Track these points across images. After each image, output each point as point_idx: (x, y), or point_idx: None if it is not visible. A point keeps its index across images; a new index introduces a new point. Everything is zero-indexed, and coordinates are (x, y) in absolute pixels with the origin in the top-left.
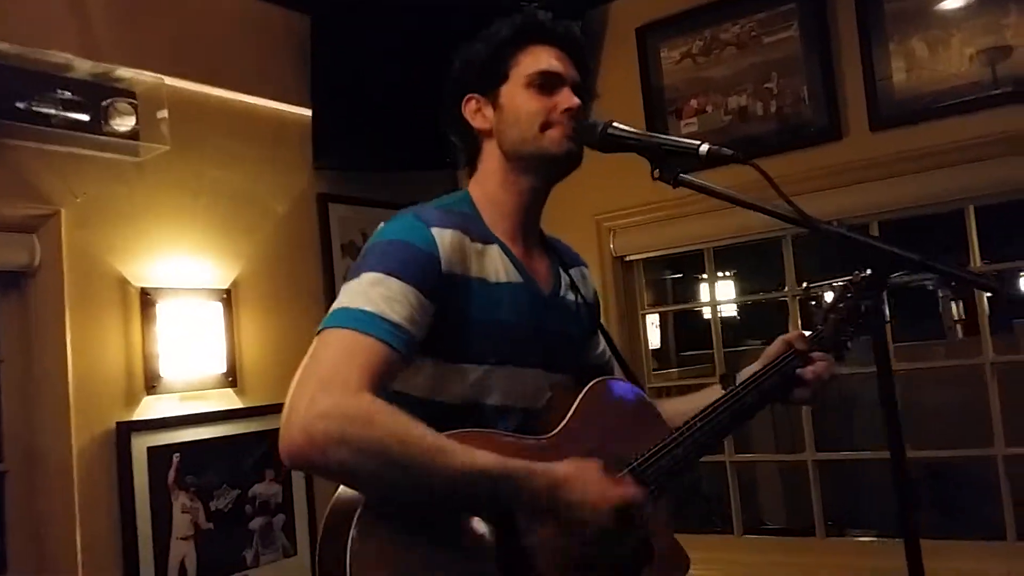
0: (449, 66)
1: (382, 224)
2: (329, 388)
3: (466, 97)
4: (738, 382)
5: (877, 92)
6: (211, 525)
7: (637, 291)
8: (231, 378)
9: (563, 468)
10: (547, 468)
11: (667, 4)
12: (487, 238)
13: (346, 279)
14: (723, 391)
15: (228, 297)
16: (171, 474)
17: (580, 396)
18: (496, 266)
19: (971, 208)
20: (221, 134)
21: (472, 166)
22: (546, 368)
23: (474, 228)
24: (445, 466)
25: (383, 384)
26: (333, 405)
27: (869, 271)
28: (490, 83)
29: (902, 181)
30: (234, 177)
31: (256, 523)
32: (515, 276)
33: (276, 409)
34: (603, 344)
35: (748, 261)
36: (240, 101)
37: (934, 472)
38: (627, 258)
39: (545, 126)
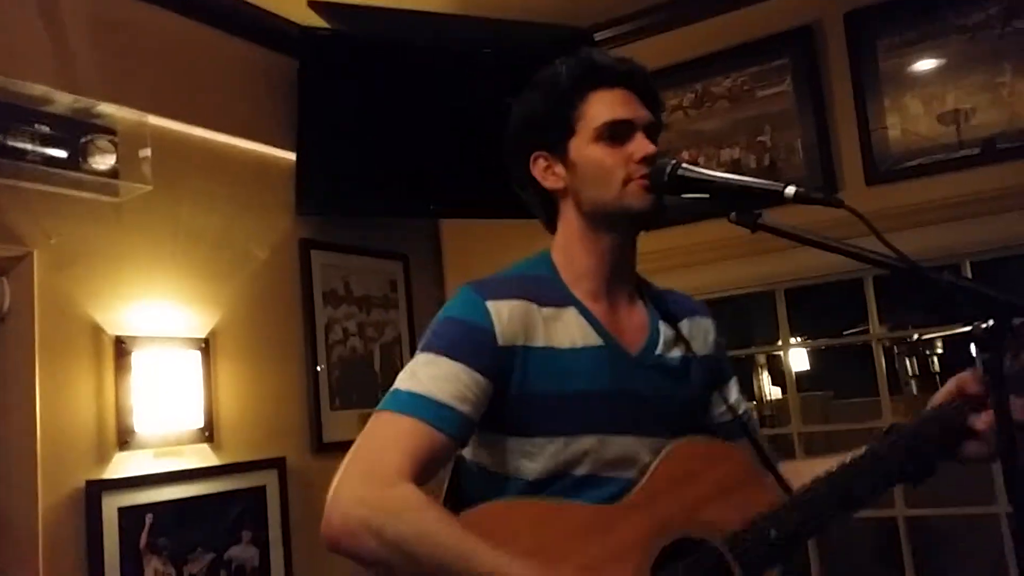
0: (505, 119)
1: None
2: (370, 475)
3: (533, 156)
4: None
5: (873, 147)
6: None
7: None
8: (208, 433)
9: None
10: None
11: (657, 56)
12: (563, 300)
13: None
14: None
15: (206, 346)
16: (143, 536)
17: (659, 458)
18: (570, 331)
19: (967, 263)
20: (203, 176)
21: (551, 225)
22: (642, 434)
23: (548, 292)
24: (466, 572)
25: (430, 468)
26: (371, 494)
27: (991, 322)
28: (556, 138)
29: (900, 236)
30: (215, 220)
31: None
32: (594, 339)
33: (255, 466)
34: (724, 405)
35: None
36: (224, 143)
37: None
38: None
39: (626, 181)
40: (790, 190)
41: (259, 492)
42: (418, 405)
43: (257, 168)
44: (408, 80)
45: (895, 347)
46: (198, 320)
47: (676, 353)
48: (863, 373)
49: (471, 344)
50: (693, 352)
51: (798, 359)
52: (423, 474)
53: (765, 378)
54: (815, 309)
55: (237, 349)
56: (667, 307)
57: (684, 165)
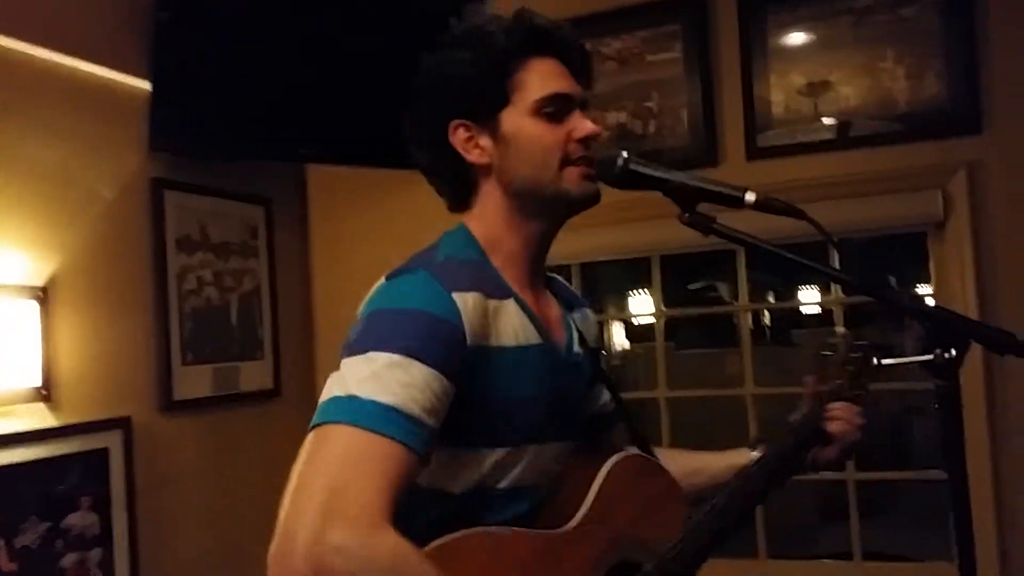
0: (416, 74)
1: (382, 282)
2: (342, 513)
3: (453, 124)
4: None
5: (756, 122)
6: (15, 566)
7: None
8: (45, 391)
9: None
10: None
11: (545, 7)
12: (503, 291)
13: (346, 352)
14: (749, 452)
15: (44, 296)
16: None
17: (602, 477)
18: (514, 326)
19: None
20: (42, 103)
21: (458, 200)
22: (562, 440)
23: (488, 280)
24: None
25: (401, 495)
26: (351, 541)
27: (954, 352)
28: (486, 107)
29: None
30: (56, 154)
31: (69, 560)
32: (534, 337)
33: (96, 426)
34: (606, 393)
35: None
36: (67, 66)
37: None
38: None
39: (563, 162)
40: (750, 196)
41: (101, 454)
42: (390, 420)
43: (106, 97)
44: (280, 11)
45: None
46: (35, 267)
47: (579, 348)
48: (703, 326)
49: (443, 345)
50: (587, 345)
51: (642, 307)
52: (395, 507)
53: (615, 328)
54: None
55: (79, 299)
56: (563, 296)
57: (636, 160)
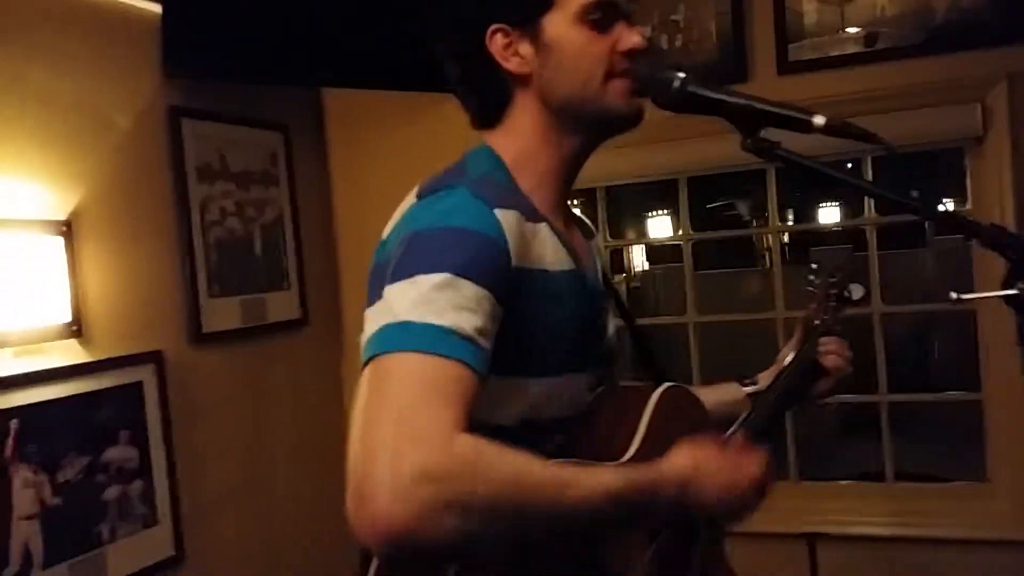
0: None
1: (414, 201)
2: (419, 439)
3: (491, 29)
4: (756, 379)
5: (787, 35)
6: (59, 500)
7: None
8: (76, 327)
9: (685, 463)
10: (671, 471)
11: None
12: (535, 215)
13: (390, 278)
14: (739, 387)
15: (68, 230)
16: (9, 444)
17: (651, 407)
18: (550, 250)
19: (868, 158)
20: (53, 29)
21: (490, 115)
22: (595, 367)
23: (521, 202)
24: (574, 502)
25: (470, 416)
26: (434, 462)
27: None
28: (528, 11)
29: None
30: (67, 83)
31: (111, 493)
32: (567, 262)
33: (129, 361)
34: (621, 313)
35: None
36: None
37: None
38: None
39: (607, 75)
40: (819, 120)
41: (135, 388)
42: (450, 342)
43: (118, 21)
44: None
45: (754, 221)
46: (57, 200)
47: (601, 276)
48: (721, 246)
49: (491, 263)
50: (603, 271)
51: (662, 229)
52: (467, 427)
53: (636, 251)
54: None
55: (103, 233)
56: (579, 223)
57: (695, 80)
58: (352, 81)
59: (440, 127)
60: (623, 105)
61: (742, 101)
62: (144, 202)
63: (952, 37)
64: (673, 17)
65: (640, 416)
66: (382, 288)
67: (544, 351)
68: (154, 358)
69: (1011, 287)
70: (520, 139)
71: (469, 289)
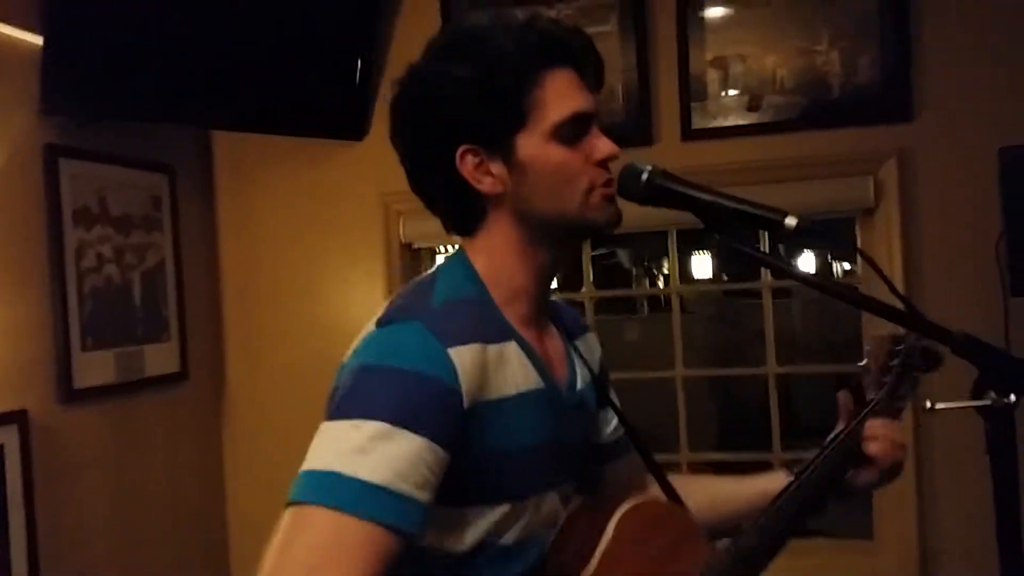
0: (404, 88)
1: (371, 329)
2: None
3: (461, 150)
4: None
5: (691, 103)
6: None
7: None
8: None
9: None
10: None
11: None
12: (503, 333)
13: (332, 411)
14: (786, 476)
15: None
16: None
17: (609, 533)
18: (515, 372)
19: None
20: None
21: (465, 230)
22: (564, 484)
23: (489, 321)
24: None
25: None
26: None
27: (1013, 397)
28: (498, 131)
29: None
30: None
31: None
32: (535, 380)
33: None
34: (614, 419)
35: None
36: None
37: None
38: (415, 246)
39: (589, 189)
40: (791, 221)
41: None
42: (375, 501)
43: None
44: None
45: (634, 269)
46: None
47: (585, 383)
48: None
49: (436, 410)
50: (591, 371)
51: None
52: None
53: None
54: None
55: None
56: (565, 324)
57: (663, 174)
58: (243, 124)
59: (334, 175)
60: (604, 216)
61: (712, 198)
62: (14, 247)
63: (847, 112)
64: None
65: (600, 538)
66: None
67: (500, 479)
68: (17, 418)
69: (981, 396)
70: (493, 254)
71: (409, 441)
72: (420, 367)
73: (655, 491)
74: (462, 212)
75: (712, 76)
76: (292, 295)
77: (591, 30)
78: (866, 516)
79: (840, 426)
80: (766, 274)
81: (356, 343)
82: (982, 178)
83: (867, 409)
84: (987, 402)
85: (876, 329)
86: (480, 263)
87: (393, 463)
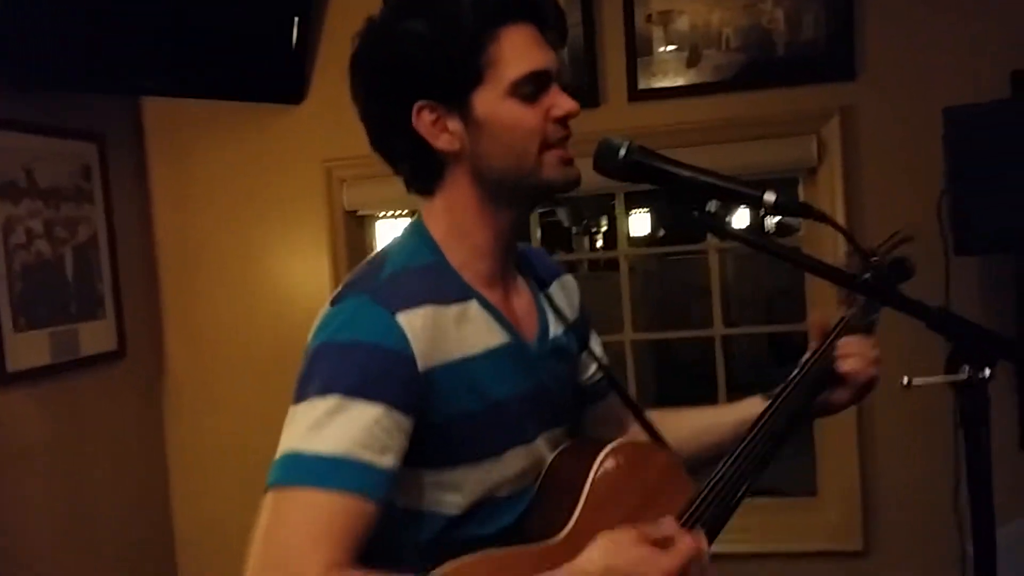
0: (361, 45)
1: (324, 312)
2: None
3: (417, 106)
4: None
5: (637, 63)
6: None
7: (366, 248)
8: None
9: (596, 559)
10: (580, 571)
11: None
12: (463, 293)
13: (294, 396)
14: (763, 402)
15: None
16: None
17: (591, 478)
18: (478, 330)
19: None
20: None
21: (424, 188)
22: (547, 430)
23: (446, 284)
24: None
25: (360, 546)
26: None
27: (988, 372)
28: (455, 88)
29: None
30: None
31: None
32: (500, 336)
33: None
34: (593, 365)
35: None
36: None
37: None
38: (359, 213)
39: (543, 147)
40: (769, 196)
41: None
42: (335, 472)
43: None
44: None
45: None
46: None
47: (560, 328)
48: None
49: (390, 377)
50: (568, 320)
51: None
52: (355, 556)
53: None
54: None
55: None
56: (536, 272)
57: (641, 150)
58: (175, 90)
59: (273, 141)
60: (560, 175)
61: (690, 174)
62: None
63: (791, 71)
64: None
65: (583, 483)
66: None
67: (475, 437)
68: None
69: (955, 370)
70: (452, 214)
71: (362, 409)
72: (368, 337)
73: (635, 430)
74: (421, 170)
75: (657, 33)
76: (232, 267)
77: None
78: (809, 473)
79: (813, 346)
80: (710, 236)
81: (313, 325)
82: (924, 137)
83: (838, 326)
84: (963, 376)
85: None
86: (439, 224)
87: (350, 433)
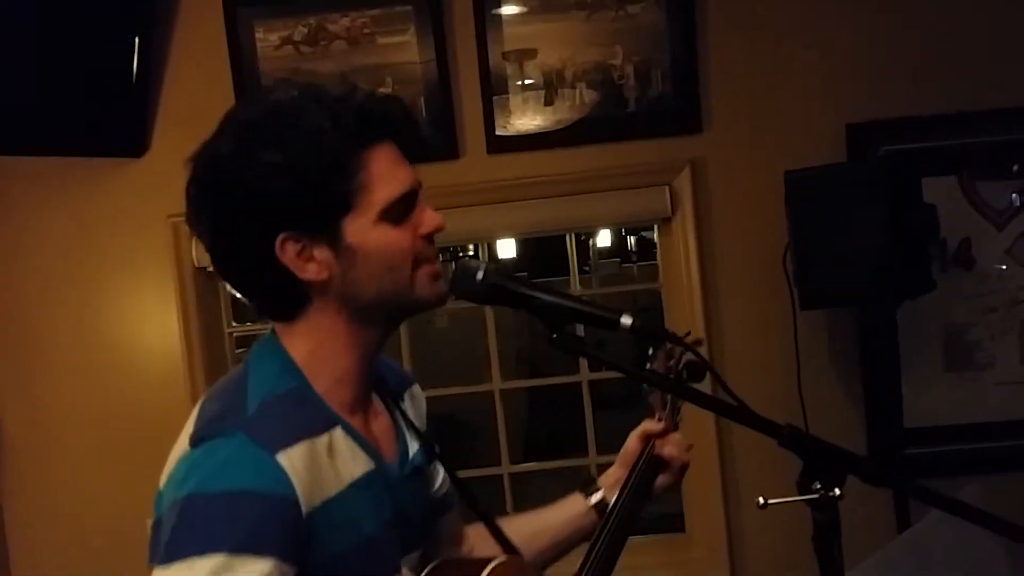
0: (204, 171)
1: (187, 450)
2: None
3: (280, 238)
4: (598, 486)
5: (494, 115)
6: None
7: (221, 307)
8: None
9: None
10: None
11: None
12: (327, 421)
13: (163, 555)
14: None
15: None
16: None
17: None
18: (345, 461)
19: (572, 235)
20: None
21: (281, 317)
22: (408, 553)
23: (312, 413)
24: None
25: None
26: None
27: (838, 491)
28: (322, 217)
29: (518, 207)
30: None
31: None
32: (365, 463)
33: None
34: (441, 474)
35: None
36: None
37: None
38: (210, 269)
39: (415, 264)
40: (626, 320)
41: None
42: None
43: None
44: None
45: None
46: None
47: (416, 445)
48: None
49: (277, 527)
50: (420, 433)
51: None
52: None
53: None
54: None
55: None
56: (389, 386)
57: (498, 273)
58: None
59: (115, 196)
60: (431, 293)
61: (549, 298)
62: None
63: (643, 125)
64: (381, 90)
65: None
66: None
67: (352, 571)
68: None
69: (808, 489)
70: (315, 341)
71: (251, 567)
72: (252, 485)
73: (476, 538)
74: (280, 300)
75: (513, 70)
76: (72, 328)
77: (388, 40)
78: (677, 510)
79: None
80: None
81: (170, 467)
82: (769, 191)
83: (657, 434)
84: (814, 496)
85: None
86: (299, 350)
87: None
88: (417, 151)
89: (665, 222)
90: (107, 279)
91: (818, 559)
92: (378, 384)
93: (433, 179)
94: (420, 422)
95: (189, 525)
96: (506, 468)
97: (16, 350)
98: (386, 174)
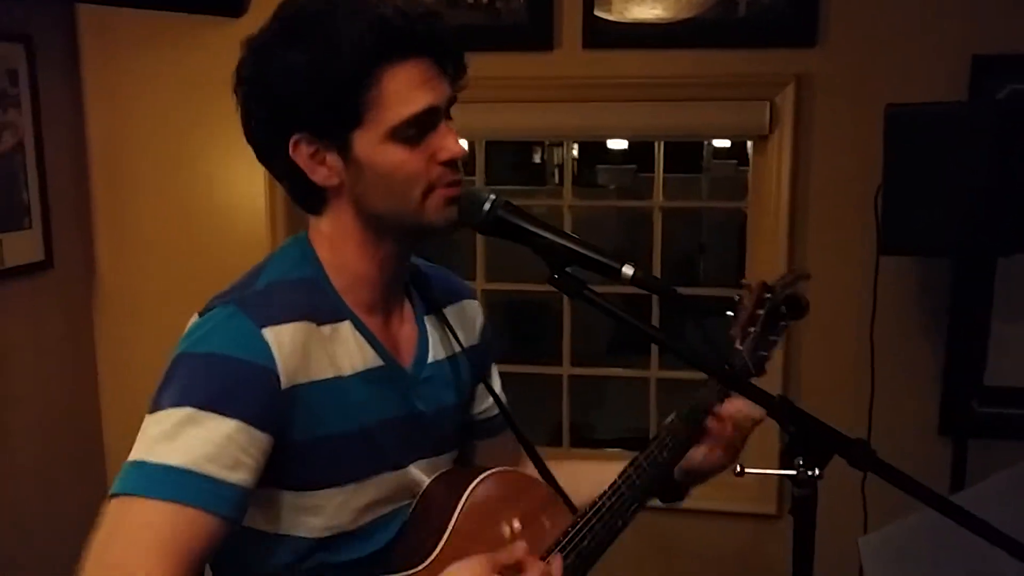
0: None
1: (192, 320)
2: None
3: (293, 138)
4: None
5: (595, 7)
6: None
7: None
8: None
9: None
10: None
11: None
12: (337, 313)
13: (150, 404)
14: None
15: None
16: None
17: (460, 506)
18: (349, 351)
19: (661, 144)
20: None
21: (310, 208)
22: (423, 457)
23: (321, 301)
24: None
25: (200, 562)
26: None
27: (818, 471)
28: (332, 125)
29: (609, 108)
30: None
31: None
32: (372, 359)
33: None
34: (489, 398)
35: None
36: None
37: None
38: None
39: (427, 190)
40: (627, 270)
41: None
42: (179, 484)
43: None
44: None
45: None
46: None
47: (445, 353)
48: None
49: (248, 392)
50: (461, 345)
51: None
52: (193, 572)
53: None
54: None
55: None
56: (432, 293)
57: (506, 206)
58: None
59: (210, 54)
60: (441, 218)
61: (552, 238)
62: None
63: (752, 32)
64: None
65: (453, 511)
66: None
67: (339, 461)
68: None
69: (789, 464)
70: (335, 241)
71: (215, 423)
72: (228, 350)
73: (530, 471)
74: (302, 195)
75: None
76: (166, 177)
77: None
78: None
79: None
80: (658, 192)
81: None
82: (877, 121)
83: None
84: (793, 472)
85: (751, 277)
86: (322, 245)
87: (199, 446)
88: (456, 70)
89: (761, 140)
90: (200, 132)
91: (792, 533)
92: (420, 289)
93: (523, 70)
94: (469, 338)
95: (170, 380)
96: (566, 370)
97: (114, 193)
98: (402, 93)
